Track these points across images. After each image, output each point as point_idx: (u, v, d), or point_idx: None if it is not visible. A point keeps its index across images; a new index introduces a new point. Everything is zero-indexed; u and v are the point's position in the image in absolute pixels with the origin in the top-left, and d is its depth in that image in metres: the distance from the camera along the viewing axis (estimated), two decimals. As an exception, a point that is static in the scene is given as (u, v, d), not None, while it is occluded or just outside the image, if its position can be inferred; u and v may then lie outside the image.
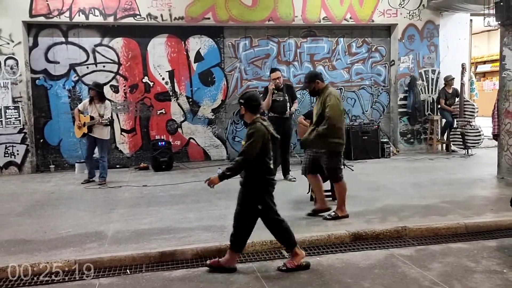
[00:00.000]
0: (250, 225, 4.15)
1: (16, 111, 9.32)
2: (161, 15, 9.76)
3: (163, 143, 9.71)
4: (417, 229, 5.08)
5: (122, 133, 10.18)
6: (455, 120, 10.65)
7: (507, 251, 4.55)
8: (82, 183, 8.12)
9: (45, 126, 9.81)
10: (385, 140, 10.74)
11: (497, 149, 8.00)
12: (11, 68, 9.26)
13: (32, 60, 9.62)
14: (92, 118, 7.94)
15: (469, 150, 10.39)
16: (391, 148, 10.65)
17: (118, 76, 10.04)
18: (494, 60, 17.29)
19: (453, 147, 10.90)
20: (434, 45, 11.17)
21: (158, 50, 10.17)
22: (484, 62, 18.97)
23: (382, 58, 11.30)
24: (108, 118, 8.00)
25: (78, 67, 9.83)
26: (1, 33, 9.16)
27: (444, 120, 10.99)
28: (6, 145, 9.34)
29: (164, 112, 10.29)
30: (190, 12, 9.88)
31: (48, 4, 9.29)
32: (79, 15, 9.44)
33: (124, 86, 10.09)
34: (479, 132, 10.27)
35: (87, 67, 9.88)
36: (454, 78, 10.67)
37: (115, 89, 10.04)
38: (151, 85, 10.20)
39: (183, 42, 10.28)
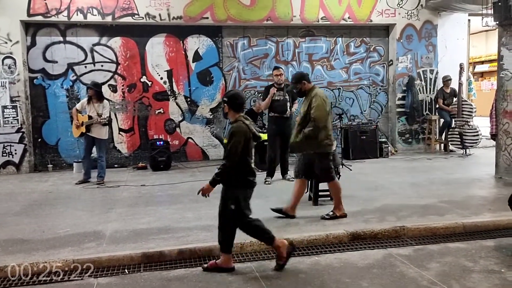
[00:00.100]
0: (234, 225, 4.13)
1: (14, 110, 9.30)
2: (160, 15, 9.75)
3: (161, 142, 9.70)
4: (415, 228, 5.08)
5: (120, 132, 10.17)
6: (453, 120, 10.66)
7: (505, 251, 4.56)
8: (76, 183, 8.04)
9: (43, 125, 9.80)
10: (383, 140, 10.75)
11: (495, 149, 8.02)
12: (9, 68, 9.24)
13: (30, 60, 9.60)
14: (90, 117, 7.91)
15: (467, 150, 10.41)
16: (389, 148, 10.66)
17: (116, 76, 10.03)
18: (492, 60, 17.33)
19: (451, 147, 10.91)
20: (432, 45, 11.18)
21: (157, 50, 10.16)
22: (482, 62, 19.01)
23: (381, 58, 11.31)
24: (107, 117, 7.99)
25: (76, 66, 9.82)
26: (-1, 32, 9.15)
27: (442, 120, 11.01)
28: (4, 145, 9.32)
29: (162, 111, 10.29)
30: (188, 12, 9.87)
31: (46, 3, 9.27)
32: (77, 15, 9.42)
33: (122, 85, 10.08)
34: (477, 132, 10.29)
35: (85, 67, 9.87)
36: (451, 78, 10.69)
37: (113, 89, 10.03)
38: (149, 85, 10.20)
39: (181, 41, 10.27)
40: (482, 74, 19.72)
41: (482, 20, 8.76)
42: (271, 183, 7.60)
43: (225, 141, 4.08)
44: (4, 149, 9.33)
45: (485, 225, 5.23)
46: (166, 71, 10.26)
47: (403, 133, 11.27)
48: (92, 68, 9.89)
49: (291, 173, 7.97)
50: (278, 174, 7.99)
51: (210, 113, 10.53)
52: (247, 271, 4.18)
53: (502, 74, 7.75)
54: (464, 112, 10.39)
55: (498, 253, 4.50)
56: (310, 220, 5.45)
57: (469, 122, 10.34)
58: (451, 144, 10.81)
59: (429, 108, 11.32)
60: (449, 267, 4.17)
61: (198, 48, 10.35)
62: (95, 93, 8.03)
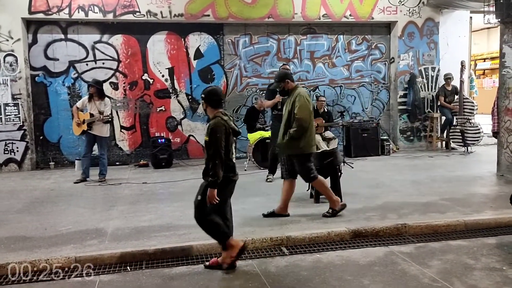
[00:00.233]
0: (220, 217, 4.12)
1: (15, 108, 9.31)
2: (161, 12, 9.74)
3: (163, 140, 9.71)
4: (416, 226, 5.08)
5: (122, 130, 10.17)
6: (454, 117, 10.65)
7: (507, 249, 4.56)
8: (75, 182, 7.99)
9: (45, 123, 9.81)
10: (384, 137, 10.75)
11: (497, 147, 8.01)
12: (11, 65, 9.25)
13: (31, 57, 9.60)
14: (92, 115, 7.91)
15: (469, 148, 10.40)
16: (390, 145, 10.65)
17: (117, 73, 10.03)
18: (493, 57, 17.26)
19: (452, 145, 10.91)
20: (434, 42, 11.16)
21: (158, 47, 10.16)
22: (484, 60, 18.94)
23: (382, 55, 11.29)
24: (109, 115, 7.98)
25: (77, 64, 9.82)
26: (0, 30, 9.14)
27: (443, 118, 11.00)
28: (5, 142, 9.34)
29: (163, 109, 10.29)
30: (189, 9, 9.86)
31: (47, 0, 9.27)
32: (78, 12, 9.42)
33: (124, 83, 10.08)
34: (479, 129, 10.28)
35: (87, 64, 9.87)
36: (451, 77, 10.68)
37: (115, 86, 10.04)
38: (151, 82, 10.20)
39: (182, 39, 10.26)
40: (483, 72, 19.66)
41: (484, 17, 8.72)
42: (272, 181, 7.60)
43: (205, 138, 4.04)
44: (6, 147, 9.34)
45: (487, 223, 5.23)
46: (168, 68, 10.26)
47: (404, 131, 11.26)
48: (93, 66, 9.89)
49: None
50: (279, 171, 7.97)
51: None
52: (249, 268, 4.19)
53: (504, 71, 7.73)
54: (465, 110, 10.38)
55: (499, 251, 4.50)
56: (312, 217, 5.45)
57: (470, 119, 10.33)
58: (452, 141, 10.80)
59: (431, 106, 11.31)
60: (451, 264, 4.17)
61: (200, 45, 10.35)
62: (97, 90, 8.01)
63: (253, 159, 8.97)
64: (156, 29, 10.10)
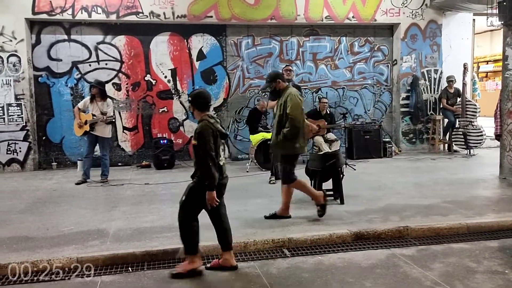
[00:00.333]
0: (217, 218, 4.14)
1: (18, 108, 9.34)
2: (164, 13, 9.76)
3: (165, 141, 9.72)
4: (419, 229, 5.08)
5: (124, 131, 10.19)
6: (457, 120, 10.64)
7: (509, 252, 4.55)
8: (76, 183, 7.96)
9: (48, 123, 9.83)
10: (387, 139, 10.73)
11: (499, 150, 7.99)
12: (14, 66, 9.27)
13: (34, 58, 9.63)
14: (94, 116, 7.92)
15: (471, 150, 10.38)
16: (393, 147, 10.64)
17: (120, 74, 10.05)
18: (496, 60, 17.26)
19: (455, 147, 10.89)
20: (437, 44, 11.15)
21: (161, 48, 10.18)
22: (487, 62, 18.93)
23: (385, 57, 11.28)
24: (112, 115, 7.99)
25: (80, 64, 9.84)
26: (4, 30, 9.17)
27: (446, 120, 10.98)
28: (8, 142, 9.36)
29: (166, 110, 10.30)
30: (192, 10, 9.88)
31: (50, 1, 9.29)
32: (81, 13, 9.44)
33: (127, 84, 10.10)
34: (481, 132, 10.26)
35: (90, 65, 9.89)
36: (453, 79, 10.67)
37: (118, 87, 10.05)
38: (154, 83, 10.21)
39: (185, 40, 10.28)
40: (486, 74, 19.65)
41: (487, 19, 8.71)
42: (275, 183, 7.59)
43: (193, 142, 4.02)
44: (9, 147, 9.37)
45: (489, 226, 5.22)
46: (170, 69, 10.27)
47: (407, 133, 11.25)
48: (96, 67, 9.91)
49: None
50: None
51: (214, 112, 10.52)
52: (251, 269, 4.19)
53: (507, 74, 7.72)
54: (468, 112, 10.37)
55: (502, 254, 4.49)
56: (313, 219, 5.45)
57: (473, 122, 10.32)
58: (455, 144, 10.78)
59: (433, 108, 11.29)
60: (453, 267, 4.16)
61: (202, 46, 10.36)
62: (99, 91, 8.01)
63: (255, 161, 8.96)
64: (159, 30, 10.12)
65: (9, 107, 9.31)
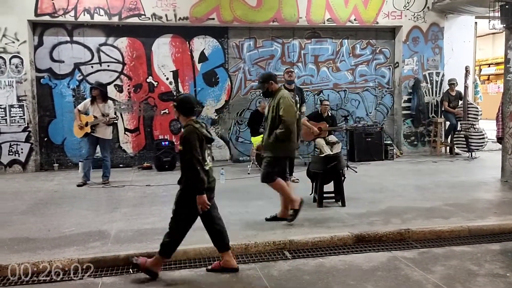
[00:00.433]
0: (209, 221, 4.13)
1: (20, 109, 9.36)
2: (166, 15, 9.78)
3: (167, 143, 9.73)
4: (420, 231, 5.07)
5: (126, 132, 10.19)
6: (459, 122, 10.63)
7: (511, 255, 4.54)
8: (77, 185, 7.92)
9: (49, 124, 9.84)
10: (388, 142, 10.72)
11: (501, 152, 7.98)
12: (16, 67, 9.30)
13: (37, 59, 9.65)
14: (95, 118, 7.92)
15: (473, 153, 10.37)
16: (394, 150, 10.63)
17: (122, 76, 10.07)
18: (498, 63, 17.23)
19: (456, 150, 10.87)
20: (439, 47, 11.15)
21: (163, 50, 10.19)
22: (489, 65, 18.91)
23: (386, 60, 11.28)
24: (116, 116, 7.99)
25: (82, 66, 9.86)
26: (6, 31, 9.20)
27: (448, 123, 10.97)
28: (10, 144, 9.37)
29: (167, 112, 10.31)
30: (194, 13, 9.89)
31: (53, 3, 9.32)
32: (84, 15, 9.46)
33: (128, 85, 10.12)
34: (483, 135, 10.25)
35: (92, 67, 9.91)
36: (455, 82, 10.67)
37: (119, 89, 10.07)
38: (155, 85, 10.22)
39: (187, 42, 10.29)
40: (488, 77, 19.61)
41: (489, 22, 8.70)
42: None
43: (179, 147, 4.01)
44: (11, 148, 9.38)
45: (491, 229, 5.21)
46: (172, 71, 10.28)
47: (408, 136, 11.24)
48: (98, 68, 9.93)
49: (296, 174, 7.98)
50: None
51: (216, 114, 10.54)
52: (251, 272, 4.18)
53: (509, 77, 7.72)
54: (469, 115, 10.36)
55: (503, 257, 4.48)
56: (315, 222, 5.44)
57: (474, 125, 10.31)
58: (456, 147, 10.77)
59: (435, 111, 11.28)
60: (454, 270, 4.15)
61: (204, 49, 10.37)
62: (100, 93, 8.01)
63: (256, 163, 8.97)
64: (161, 32, 10.13)
65: (11, 108, 9.33)
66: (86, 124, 7.92)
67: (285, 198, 5.47)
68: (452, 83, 10.72)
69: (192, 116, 4.14)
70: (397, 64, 11.21)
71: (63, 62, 9.78)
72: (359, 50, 11.12)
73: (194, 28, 10.20)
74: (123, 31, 9.97)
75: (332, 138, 9.38)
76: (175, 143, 10.03)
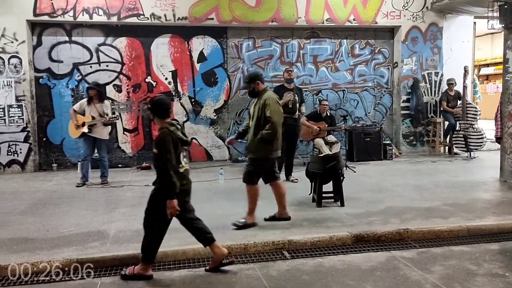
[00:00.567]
0: (185, 223, 4.14)
1: (19, 109, 9.35)
2: (165, 15, 9.77)
3: (166, 143, 9.70)
4: (419, 231, 5.07)
5: (125, 132, 10.19)
6: (457, 122, 10.64)
7: (509, 255, 4.54)
8: (76, 186, 7.90)
9: (48, 125, 9.83)
10: (387, 142, 10.73)
11: (500, 152, 7.99)
12: (15, 67, 9.29)
13: (35, 59, 9.64)
14: (93, 118, 7.90)
15: (472, 153, 10.38)
16: (393, 150, 10.63)
17: (121, 76, 10.06)
18: (497, 62, 17.25)
19: (455, 150, 10.89)
20: (438, 47, 11.16)
21: (162, 50, 10.19)
22: (488, 65, 18.94)
23: (385, 60, 11.29)
24: (116, 116, 7.96)
25: (81, 66, 9.85)
26: (5, 31, 9.18)
27: (446, 123, 10.98)
28: (9, 144, 9.36)
29: (167, 112, 10.27)
30: (193, 13, 9.89)
31: (52, 3, 9.31)
32: (83, 15, 9.45)
33: (127, 85, 10.11)
34: (482, 135, 10.26)
35: (91, 67, 9.90)
36: (453, 82, 10.68)
37: (118, 89, 10.06)
38: (154, 85, 10.22)
39: (186, 42, 10.29)
40: (487, 77, 19.65)
41: (487, 22, 8.71)
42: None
43: (154, 151, 4.00)
44: (9, 148, 9.37)
45: (490, 229, 5.21)
46: (171, 71, 10.28)
47: (407, 136, 11.25)
48: (97, 68, 9.92)
49: (295, 174, 7.99)
50: (281, 175, 7.97)
51: (214, 114, 10.54)
52: (250, 272, 4.19)
53: (508, 77, 7.72)
54: (468, 115, 10.37)
55: (502, 257, 4.48)
56: (314, 221, 5.44)
57: (473, 125, 10.32)
58: (455, 147, 10.79)
59: (434, 111, 11.29)
60: (453, 270, 4.16)
61: (203, 48, 10.37)
62: (97, 93, 7.99)
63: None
64: (160, 32, 10.13)
65: (10, 108, 9.32)
66: (83, 124, 7.89)
67: (248, 208, 5.35)
68: (451, 83, 10.74)
69: (167, 118, 4.10)
70: (396, 64, 11.21)
71: (62, 62, 9.76)
72: (358, 50, 11.12)
73: (193, 28, 10.20)
74: (122, 31, 9.96)
75: (331, 138, 9.38)
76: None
